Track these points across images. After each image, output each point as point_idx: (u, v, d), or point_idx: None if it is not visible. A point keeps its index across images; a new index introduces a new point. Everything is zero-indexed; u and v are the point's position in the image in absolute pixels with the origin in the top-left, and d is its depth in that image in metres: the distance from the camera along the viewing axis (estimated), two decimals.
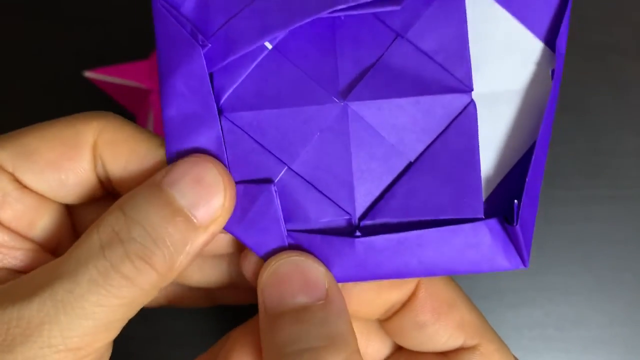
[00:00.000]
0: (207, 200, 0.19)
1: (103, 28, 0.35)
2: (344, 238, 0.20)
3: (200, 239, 0.19)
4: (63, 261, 0.18)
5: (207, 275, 0.24)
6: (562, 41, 0.20)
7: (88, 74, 0.32)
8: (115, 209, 0.19)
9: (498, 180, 0.21)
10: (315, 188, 0.21)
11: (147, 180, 0.19)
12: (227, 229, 0.20)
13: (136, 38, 0.34)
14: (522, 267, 0.20)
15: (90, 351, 0.18)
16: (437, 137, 0.20)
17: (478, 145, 0.20)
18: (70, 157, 0.20)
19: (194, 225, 0.19)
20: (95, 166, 0.21)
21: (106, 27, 0.35)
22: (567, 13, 0.20)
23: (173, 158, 0.20)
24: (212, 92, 0.20)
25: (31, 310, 0.18)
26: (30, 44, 0.36)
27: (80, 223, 0.23)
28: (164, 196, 0.19)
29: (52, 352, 0.18)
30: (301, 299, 0.19)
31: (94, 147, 0.20)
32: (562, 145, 0.35)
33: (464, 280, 0.35)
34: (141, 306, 0.19)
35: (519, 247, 0.20)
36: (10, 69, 0.35)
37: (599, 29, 0.36)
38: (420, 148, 0.21)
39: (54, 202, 0.21)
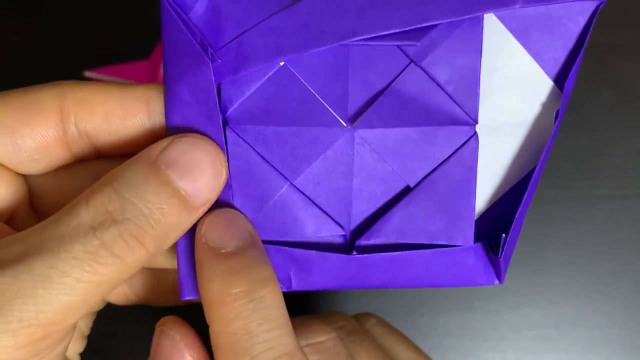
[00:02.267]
0: (203, 183, 0.19)
1: (103, 28, 0.35)
2: (339, 255, 0.21)
3: (192, 220, 0.19)
4: (40, 234, 0.18)
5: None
6: (570, 83, 0.21)
7: (88, 74, 0.32)
8: (105, 185, 0.18)
9: (488, 206, 0.22)
10: (314, 204, 0.21)
11: (139, 155, 0.19)
12: None
13: (136, 38, 0.34)
14: (498, 284, 0.22)
15: (62, 327, 0.18)
16: (438, 166, 0.21)
17: (476, 178, 0.21)
18: (27, 122, 0.20)
19: (189, 207, 0.19)
20: (65, 130, 0.20)
21: (106, 27, 0.35)
22: (580, 56, 0.20)
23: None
24: (218, 105, 0.20)
25: (2, 284, 0.17)
26: (31, 44, 0.36)
27: (38, 192, 0.22)
28: (162, 176, 0.19)
29: (22, 327, 0.17)
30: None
31: (61, 111, 0.20)
32: (562, 145, 0.35)
33: None
34: (121, 282, 0.19)
35: (498, 270, 0.22)
36: (10, 68, 0.35)
37: (599, 29, 0.36)
38: (420, 175, 0.21)
39: (10, 170, 0.21)
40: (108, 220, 0.18)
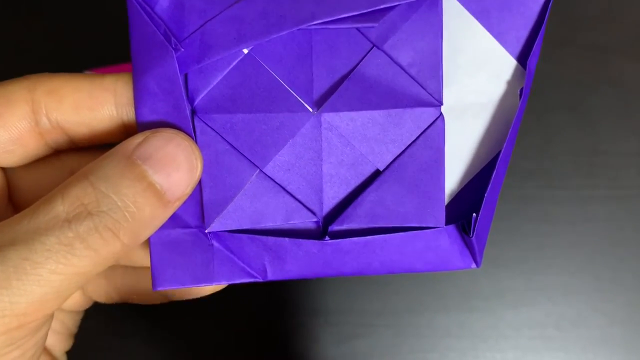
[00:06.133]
0: (178, 178, 0.19)
1: (103, 28, 0.35)
2: (312, 241, 0.21)
3: (167, 214, 0.20)
4: (15, 225, 0.18)
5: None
6: (533, 60, 0.21)
7: (88, 73, 0.32)
8: (81, 179, 0.19)
9: (459, 188, 0.22)
10: (286, 191, 0.21)
11: (115, 149, 0.19)
12: None
13: None
14: (474, 267, 0.22)
15: (36, 317, 0.18)
16: (406, 148, 0.21)
17: (444, 159, 0.21)
18: None
19: (165, 201, 0.19)
20: (37, 121, 0.21)
21: (106, 27, 0.35)
22: (541, 33, 0.21)
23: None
24: (184, 95, 0.20)
25: None
26: (31, 44, 0.36)
27: (16, 186, 0.22)
28: (137, 170, 0.19)
29: None
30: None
31: (33, 102, 0.20)
32: (562, 145, 0.35)
33: (464, 282, 0.35)
34: (95, 275, 0.19)
35: (473, 252, 0.22)
36: (10, 68, 0.36)
37: (599, 29, 0.36)
38: (389, 158, 0.21)
39: None
40: (83, 213, 0.18)
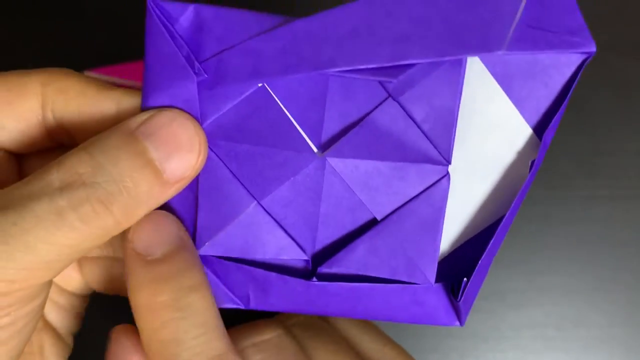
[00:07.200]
0: (180, 158, 0.19)
1: (104, 28, 0.35)
2: (299, 280, 0.21)
3: (164, 195, 0.19)
4: (7, 193, 0.18)
5: None
6: (550, 134, 0.20)
7: (88, 73, 0.32)
8: (79, 150, 0.19)
9: (453, 248, 0.22)
10: (280, 226, 0.21)
11: (118, 126, 0.19)
12: None
13: (136, 38, 0.34)
14: (458, 326, 0.22)
15: (24, 286, 0.18)
16: (407, 202, 0.21)
17: (443, 219, 0.21)
18: (10, 102, 0.20)
19: (162, 180, 0.19)
20: (44, 115, 0.21)
21: (107, 26, 0.35)
22: (562, 109, 0.20)
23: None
24: (199, 118, 0.20)
25: None
26: (31, 44, 0.35)
27: (30, 173, 0.23)
28: (138, 146, 0.19)
29: None
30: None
31: (43, 96, 0.20)
32: (562, 145, 0.35)
33: None
34: (86, 251, 0.19)
35: (459, 313, 0.22)
36: (10, 69, 0.35)
37: (599, 29, 0.36)
38: (388, 210, 0.21)
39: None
40: (77, 182, 0.18)
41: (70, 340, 0.25)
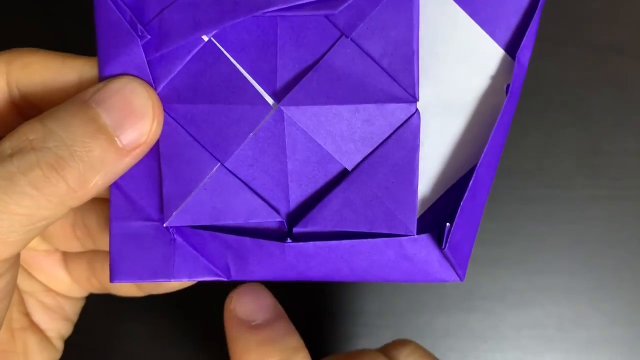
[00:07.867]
0: (133, 124, 0.19)
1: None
2: (274, 242, 0.20)
3: (121, 162, 0.19)
4: None
5: None
6: (525, 53, 0.19)
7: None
8: (33, 120, 0.18)
9: (437, 194, 0.20)
10: (249, 187, 0.20)
11: (74, 97, 0.19)
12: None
13: None
14: (458, 280, 0.20)
15: None
16: (376, 148, 0.20)
17: (418, 160, 0.19)
18: None
19: (116, 147, 0.19)
20: (10, 92, 0.21)
21: None
22: (535, 20, 0.19)
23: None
24: (152, 81, 0.20)
25: None
26: (31, 44, 0.35)
27: None
28: (90, 112, 0.18)
29: None
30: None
31: (7, 74, 0.20)
32: (562, 145, 0.35)
33: (464, 282, 0.34)
34: (43, 224, 0.18)
35: (452, 264, 0.20)
36: None
37: (599, 29, 0.36)
38: (358, 158, 0.20)
39: None
40: (27, 147, 0.18)
41: (59, 344, 0.25)
